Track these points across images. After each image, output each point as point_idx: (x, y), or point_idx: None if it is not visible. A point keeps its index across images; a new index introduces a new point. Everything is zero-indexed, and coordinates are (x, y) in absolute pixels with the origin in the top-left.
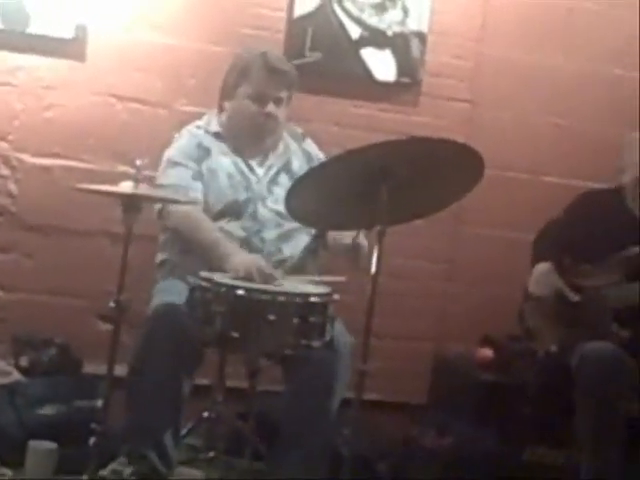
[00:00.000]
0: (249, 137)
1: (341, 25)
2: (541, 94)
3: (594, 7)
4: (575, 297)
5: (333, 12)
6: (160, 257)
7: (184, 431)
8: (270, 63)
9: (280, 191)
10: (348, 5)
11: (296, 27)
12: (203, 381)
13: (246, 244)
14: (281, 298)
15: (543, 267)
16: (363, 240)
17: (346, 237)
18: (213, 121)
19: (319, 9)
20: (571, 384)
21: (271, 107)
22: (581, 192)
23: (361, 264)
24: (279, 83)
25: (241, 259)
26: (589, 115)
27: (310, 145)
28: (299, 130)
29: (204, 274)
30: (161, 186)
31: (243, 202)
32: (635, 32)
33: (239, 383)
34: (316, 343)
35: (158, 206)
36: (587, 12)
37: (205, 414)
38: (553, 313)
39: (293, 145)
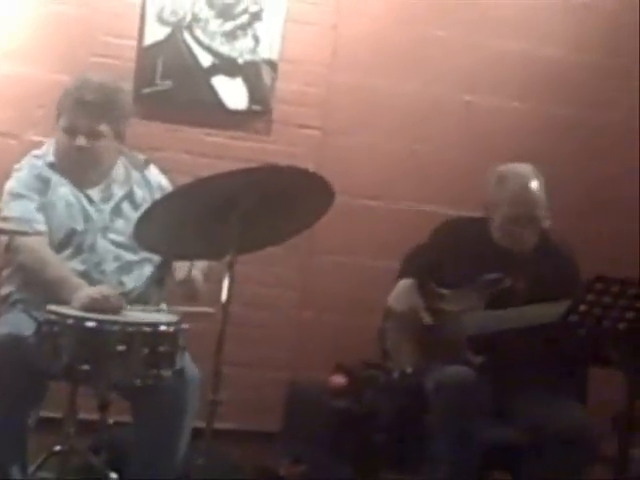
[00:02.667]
0: (69, 170)
1: (192, 53)
2: (394, 121)
3: (445, 35)
4: (428, 319)
5: (183, 40)
6: (5, 290)
7: (35, 465)
8: (81, 95)
9: (123, 221)
10: (199, 33)
11: (146, 55)
12: (54, 414)
13: (86, 277)
14: (130, 328)
15: (405, 283)
16: (196, 275)
17: (180, 271)
18: (50, 150)
19: (169, 37)
20: (425, 407)
21: (81, 140)
22: (446, 219)
23: (196, 298)
24: (91, 115)
25: (86, 291)
26: (442, 141)
27: (153, 173)
28: (142, 158)
29: (51, 307)
30: (5, 219)
31: (81, 233)
32: (487, 58)
33: (91, 415)
34: (166, 372)
35: (4, 239)
36: (439, 40)
37: (57, 447)
38: (410, 334)
39: (135, 174)
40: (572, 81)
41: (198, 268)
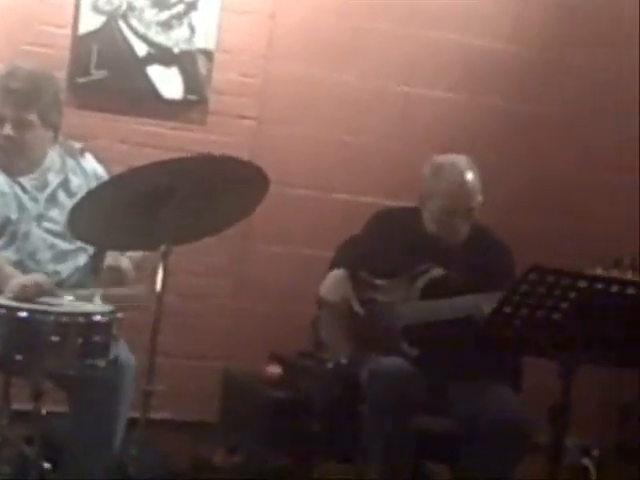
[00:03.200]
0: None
1: (127, 43)
2: (330, 111)
3: (382, 26)
4: (360, 309)
5: (119, 29)
6: None
7: None
8: (7, 83)
9: (58, 210)
10: (134, 22)
11: (81, 44)
12: None
13: (20, 266)
14: (64, 319)
15: (337, 273)
16: (124, 263)
17: (109, 257)
18: None
19: (104, 26)
20: (360, 398)
21: (8, 129)
22: (379, 209)
23: (123, 285)
24: (18, 104)
25: (19, 280)
26: (378, 132)
27: (89, 161)
28: (77, 146)
29: None
30: None
31: (15, 222)
32: (424, 49)
33: (24, 405)
34: (100, 362)
35: None
36: (375, 30)
37: None
38: (344, 324)
39: (70, 162)
40: (508, 73)
41: (128, 255)
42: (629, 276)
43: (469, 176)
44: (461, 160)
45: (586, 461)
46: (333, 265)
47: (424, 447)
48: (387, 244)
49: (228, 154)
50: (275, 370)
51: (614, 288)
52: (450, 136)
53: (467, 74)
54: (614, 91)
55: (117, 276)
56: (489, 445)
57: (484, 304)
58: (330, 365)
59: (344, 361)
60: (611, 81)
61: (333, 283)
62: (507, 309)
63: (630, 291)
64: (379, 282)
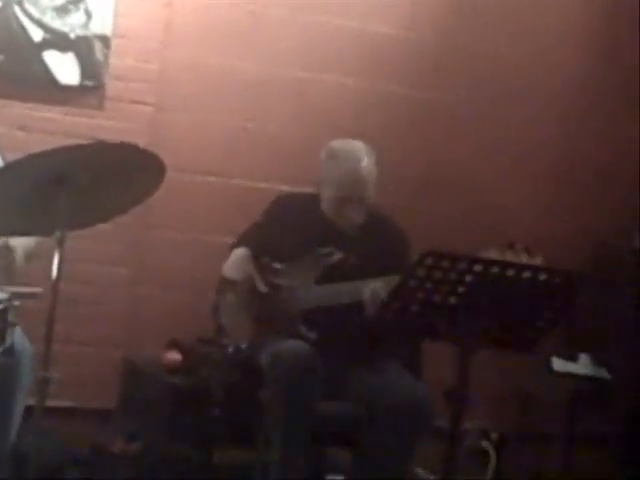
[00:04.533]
0: None
1: (22, 28)
2: (228, 98)
3: (279, 12)
4: (264, 288)
5: (14, 14)
6: None
7: None
8: None
9: None
10: (29, 7)
11: None
12: None
13: None
14: None
15: (240, 251)
16: (13, 245)
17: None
18: None
19: None
20: (260, 382)
21: None
22: (279, 195)
23: (13, 268)
24: None
25: None
26: (277, 119)
27: None
28: None
29: None
30: None
31: None
32: (322, 35)
33: None
34: None
35: None
36: (273, 17)
37: None
38: (247, 305)
39: None
40: (406, 60)
41: (19, 240)
42: (523, 259)
43: (364, 163)
44: (356, 146)
45: (485, 444)
46: (235, 246)
47: (325, 431)
48: (286, 229)
49: (123, 141)
50: (174, 356)
51: (510, 272)
52: (349, 123)
53: (365, 61)
54: (510, 79)
55: (6, 259)
56: (389, 428)
57: (380, 288)
58: (230, 350)
59: (244, 346)
60: (508, 69)
61: (236, 261)
62: (404, 293)
63: (525, 275)
64: (279, 267)
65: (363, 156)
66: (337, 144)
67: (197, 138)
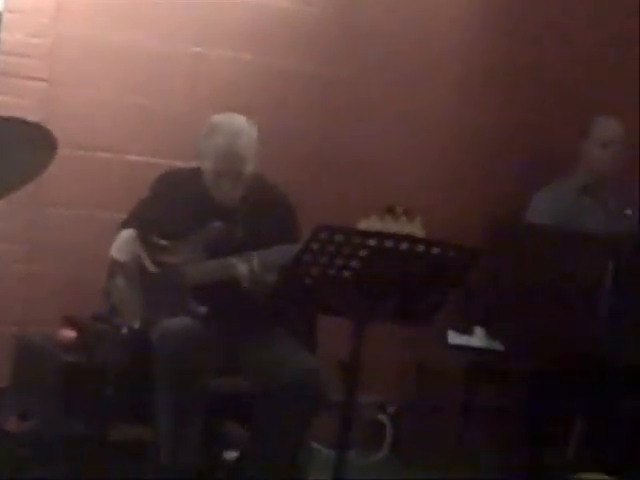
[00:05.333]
0: None
1: None
2: (122, 73)
3: None
4: (152, 267)
5: None
6: None
7: None
8: None
9: None
10: None
11: None
12: None
13: None
14: None
15: (126, 232)
16: None
17: None
18: None
19: None
20: (153, 360)
21: None
22: (163, 171)
23: None
24: None
25: None
26: (171, 94)
27: None
28: None
29: None
30: None
31: None
32: (216, 9)
33: None
34: None
35: None
36: None
37: None
38: (136, 285)
39: None
40: (304, 34)
41: None
42: (402, 222)
43: (241, 137)
44: (236, 121)
45: (382, 417)
46: (123, 226)
47: (219, 407)
48: (171, 206)
49: (11, 116)
50: (69, 334)
51: (404, 246)
52: (243, 98)
53: (261, 36)
54: (414, 56)
55: None
56: (283, 403)
57: (256, 262)
58: (124, 330)
59: (136, 326)
60: (404, 45)
61: (122, 243)
62: (298, 268)
63: (420, 249)
64: (167, 244)
65: (242, 131)
66: (216, 118)
67: (91, 114)
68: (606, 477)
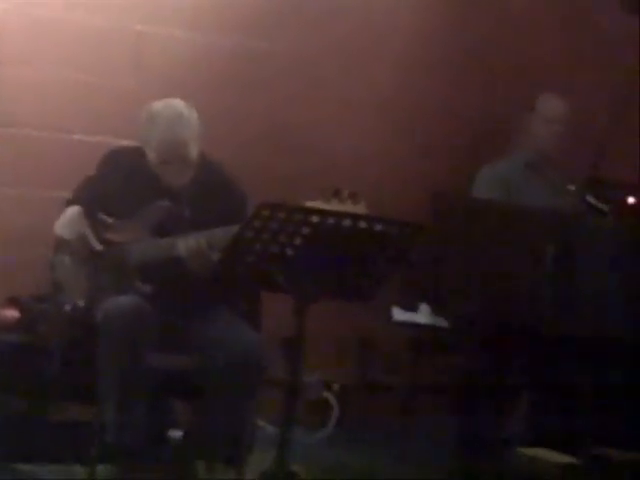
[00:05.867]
0: None
1: None
2: (62, 50)
3: None
4: (98, 245)
5: None
6: None
7: None
8: None
9: None
10: None
11: None
12: None
13: None
14: None
15: (72, 210)
16: None
17: None
18: None
19: None
20: (97, 339)
21: None
22: (109, 149)
23: None
24: None
25: None
26: (112, 72)
27: None
28: None
29: None
30: None
31: None
32: None
33: None
34: None
35: None
36: None
37: None
38: (80, 267)
39: None
40: (250, 12)
41: None
42: (348, 205)
43: (182, 126)
44: (175, 109)
45: (327, 395)
46: (68, 204)
47: (164, 385)
48: (118, 184)
49: None
50: (12, 314)
51: (346, 222)
52: (188, 76)
53: (207, 14)
54: (359, 36)
55: None
56: (227, 380)
57: (199, 242)
58: (68, 308)
59: (81, 303)
60: (357, 25)
61: (68, 220)
62: (240, 245)
63: (362, 225)
64: (113, 222)
65: (181, 117)
66: (155, 107)
67: (35, 93)
68: (550, 452)
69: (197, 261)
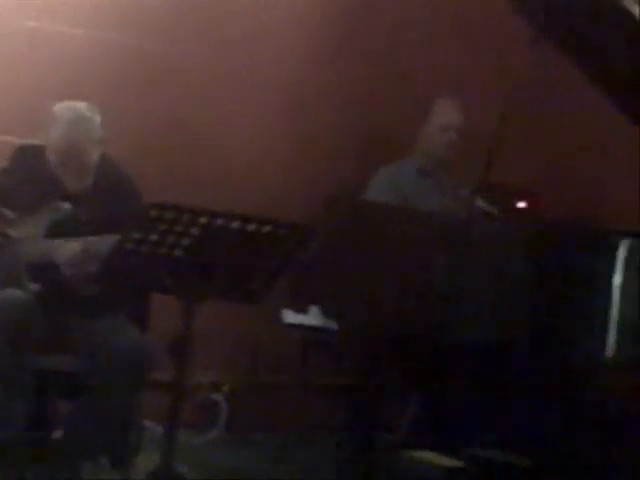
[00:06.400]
0: None
1: None
2: None
3: None
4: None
5: None
6: None
7: None
8: None
9: None
10: None
11: None
12: None
13: None
14: None
15: None
16: None
17: None
18: None
19: None
20: None
21: None
22: (19, 145)
23: None
24: None
25: None
26: (7, 69)
27: None
28: None
29: None
30: None
31: None
32: None
33: None
34: None
35: None
36: None
37: None
38: None
39: None
40: (144, 10)
41: None
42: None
43: (81, 130)
44: (75, 112)
45: (217, 396)
46: None
47: (47, 386)
48: (24, 180)
49: None
50: None
51: (235, 224)
52: (81, 75)
53: (100, 11)
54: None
55: None
56: (109, 381)
57: (79, 250)
58: None
59: None
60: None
61: None
62: (128, 246)
63: (251, 227)
64: (14, 216)
65: (82, 120)
66: (57, 109)
67: None
68: (436, 455)
69: (71, 269)
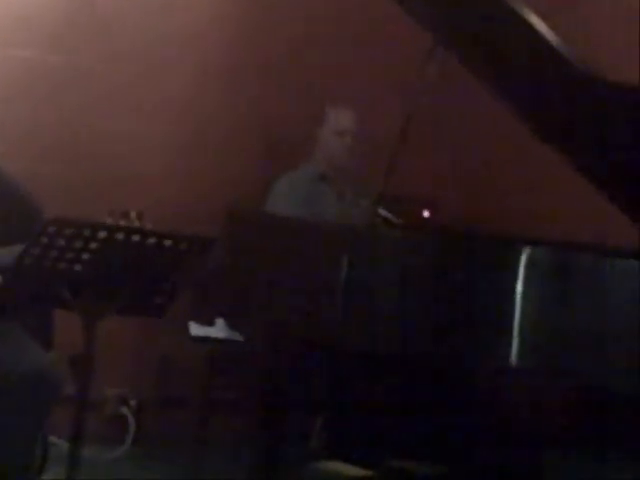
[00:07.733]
0: None
1: None
2: None
3: None
4: None
5: None
6: None
7: None
8: None
9: None
10: None
11: None
12: None
13: None
14: None
15: None
16: None
17: None
18: None
19: None
20: None
21: None
22: None
23: None
24: None
25: None
26: None
27: None
28: None
29: None
30: None
31: None
32: None
33: None
34: None
35: None
36: None
37: None
38: None
39: None
40: (48, 23)
41: None
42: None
43: None
44: None
45: (124, 410)
46: None
47: None
48: None
49: None
50: None
51: (135, 238)
52: None
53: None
54: (158, 47)
55: None
56: (17, 399)
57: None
58: None
59: None
60: (156, 37)
61: None
62: (27, 262)
63: (151, 241)
64: None
65: None
66: None
67: None
68: (345, 465)
69: None
